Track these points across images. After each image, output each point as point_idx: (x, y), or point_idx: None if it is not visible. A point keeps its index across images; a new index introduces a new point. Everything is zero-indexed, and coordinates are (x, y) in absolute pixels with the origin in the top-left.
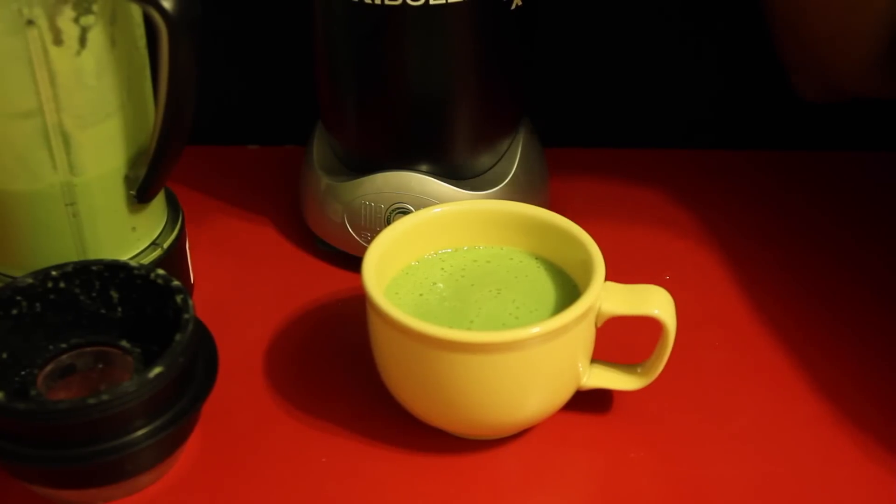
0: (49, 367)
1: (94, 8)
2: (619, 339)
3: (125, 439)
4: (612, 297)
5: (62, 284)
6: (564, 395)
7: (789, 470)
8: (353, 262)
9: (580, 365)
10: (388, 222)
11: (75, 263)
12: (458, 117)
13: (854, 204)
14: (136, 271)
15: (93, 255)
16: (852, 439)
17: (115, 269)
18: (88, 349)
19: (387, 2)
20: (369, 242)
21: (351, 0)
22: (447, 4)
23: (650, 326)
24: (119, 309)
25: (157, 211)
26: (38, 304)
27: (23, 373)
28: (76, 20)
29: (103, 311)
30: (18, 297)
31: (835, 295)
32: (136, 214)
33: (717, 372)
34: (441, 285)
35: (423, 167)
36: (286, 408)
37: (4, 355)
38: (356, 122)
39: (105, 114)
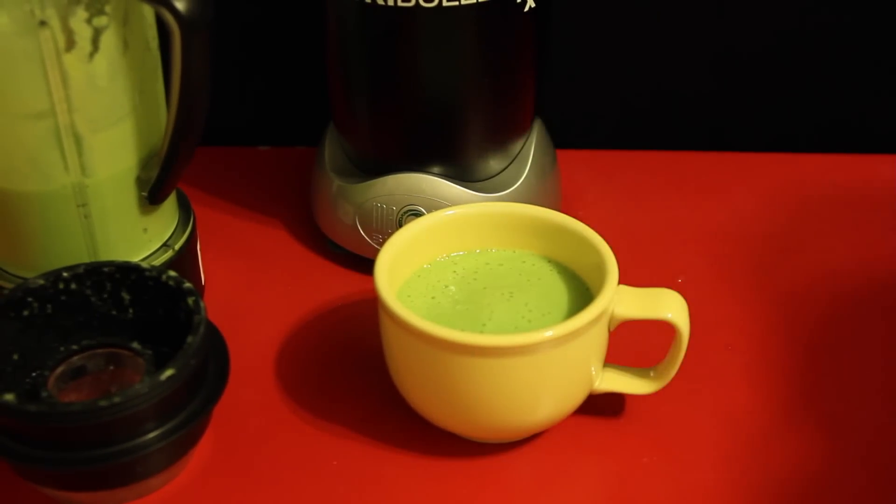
0: (60, 369)
1: (107, 9)
2: (632, 343)
3: (136, 442)
4: (625, 301)
5: (73, 286)
6: (577, 398)
7: (803, 474)
8: (364, 265)
9: (593, 368)
10: (400, 224)
11: (87, 265)
12: (471, 119)
13: (861, 208)
14: (147, 273)
15: (104, 256)
16: (867, 444)
17: (126, 271)
18: (99, 351)
19: (399, 3)
20: (381, 245)
21: (363, 1)
22: (460, 6)
23: (663, 330)
24: (130, 310)
25: (168, 212)
26: (49, 306)
27: (34, 374)
28: (89, 21)
29: (114, 312)
30: (30, 299)
31: (850, 298)
32: (148, 216)
33: (731, 376)
34: (453, 288)
35: (435, 169)
36: (297, 410)
37: (16, 356)
38: (368, 123)
39: (117, 116)
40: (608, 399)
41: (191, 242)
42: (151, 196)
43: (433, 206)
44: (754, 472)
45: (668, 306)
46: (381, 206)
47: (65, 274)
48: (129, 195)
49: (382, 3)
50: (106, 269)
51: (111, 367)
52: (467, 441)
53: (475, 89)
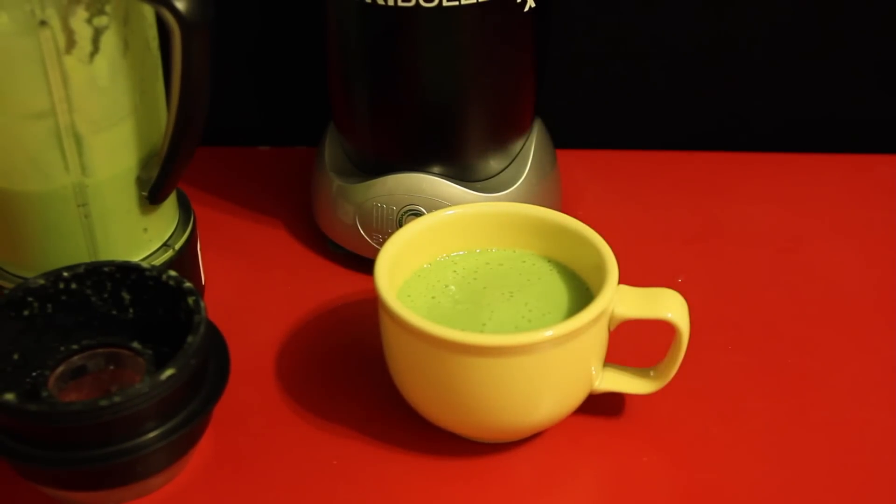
0: (60, 369)
1: (107, 9)
2: (632, 343)
3: (136, 441)
4: (626, 301)
5: (74, 286)
6: (577, 398)
7: (802, 474)
8: (364, 265)
9: (593, 368)
10: (400, 224)
11: (87, 265)
12: (471, 119)
13: (861, 208)
14: (147, 273)
15: (104, 256)
16: (866, 443)
17: (126, 271)
18: (100, 350)
19: (399, 3)
20: (381, 244)
21: (363, 1)
22: (460, 6)
23: (663, 330)
24: (130, 310)
25: (168, 212)
26: (49, 306)
27: (34, 374)
28: (89, 21)
29: (115, 312)
30: (30, 299)
31: (850, 298)
32: (148, 216)
33: (730, 375)
34: (453, 288)
35: (435, 169)
36: (297, 410)
37: (16, 356)
38: (368, 123)
39: (118, 116)
40: (608, 399)
41: (191, 242)
42: (152, 196)
43: (433, 206)
44: (754, 472)
45: (668, 306)
46: (381, 206)
47: (65, 274)
48: (129, 195)
49: (382, 3)
50: (106, 269)
51: (111, 367)
52: (467, 441)
53: (475, 89)
